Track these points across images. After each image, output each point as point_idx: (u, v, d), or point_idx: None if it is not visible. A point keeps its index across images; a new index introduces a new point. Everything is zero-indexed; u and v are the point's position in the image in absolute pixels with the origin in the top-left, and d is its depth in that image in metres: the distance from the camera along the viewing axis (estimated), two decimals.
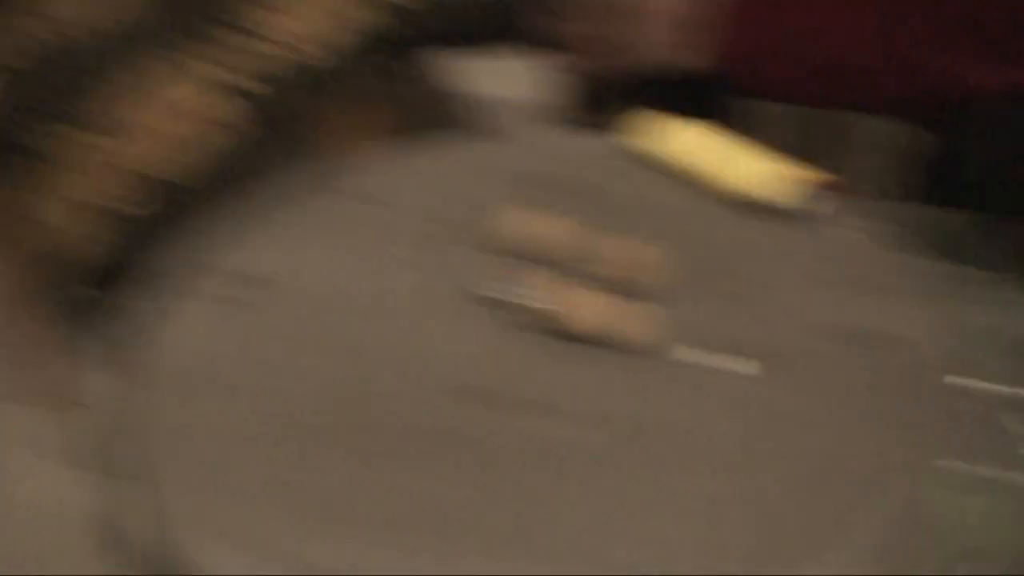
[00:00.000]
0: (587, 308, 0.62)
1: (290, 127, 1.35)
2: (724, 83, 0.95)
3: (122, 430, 0.62)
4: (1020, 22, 0.86)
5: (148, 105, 1.34)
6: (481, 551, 0.51)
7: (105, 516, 0.61)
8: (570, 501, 0.54)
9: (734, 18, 0.92)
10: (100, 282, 1.33)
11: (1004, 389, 0.69)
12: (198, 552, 0.52)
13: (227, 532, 0.53)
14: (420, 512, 0.53)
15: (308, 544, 0.52)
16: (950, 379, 0.61)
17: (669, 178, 0.74)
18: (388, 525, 0.53)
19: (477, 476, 0.55)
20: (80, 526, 0.62)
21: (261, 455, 0.56)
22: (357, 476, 0.55)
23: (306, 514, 0.53)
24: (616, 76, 1.01)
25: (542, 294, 0.62)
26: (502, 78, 2.05)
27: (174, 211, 1.31)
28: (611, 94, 1.03)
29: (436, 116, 1.85)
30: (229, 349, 0.62)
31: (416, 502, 0.54)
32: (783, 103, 1.01)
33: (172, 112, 1.34)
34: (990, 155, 0.88)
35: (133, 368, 0.61)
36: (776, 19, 0.91)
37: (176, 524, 0.53)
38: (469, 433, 0.57)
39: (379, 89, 1.35)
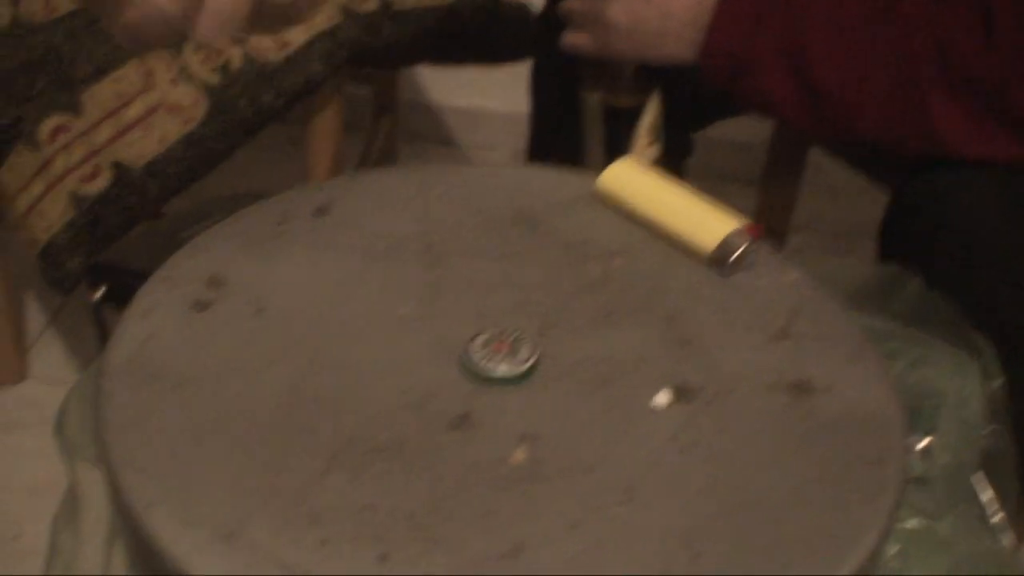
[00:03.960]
0: None
1: (249, 123, 1.37)
2: (708, 81, 0.97)
3: (80, 414, 0.65)
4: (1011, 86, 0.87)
5: (113, 91, 1.36)
6: (421, 554, 0.54)
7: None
8: (494, 515, 0.57)
9: (726, 17, 0.94)
10: (69, 265, 1.34)
11: (918, 439, 0.73)
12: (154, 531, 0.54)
13: (180, 516, 0.55)
14: (374, 514, 0.56)
15: (269, 538, 0.54)
16: (865, 429, 0.64)
17: (620, 220, 0.77)
18: (346, 526, 0.56)
19: (422, 486, 0.58)
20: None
21: (216, 449, 0.59)
22: (315, 478, 0.57)
23: (264, 510, 0.56)
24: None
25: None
26: (483, 90, 2.08)
27: (136, 197, 1.33)
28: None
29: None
30: (188, 347, 0.64)
31: (369, 504, 0.57)
32: (761, 115, 1.03)
33: (135, 99, 1.36)
34: (952, 219, 0.90)
35: (96, 358, 0.64)
36: (769, 27, 0.93)
37: (133, 503, 0.56)
38: (414, 445, 0.60)
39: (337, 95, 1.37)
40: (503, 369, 0.65)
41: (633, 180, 0.78)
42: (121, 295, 0.72)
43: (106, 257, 0.76)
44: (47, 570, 0.66)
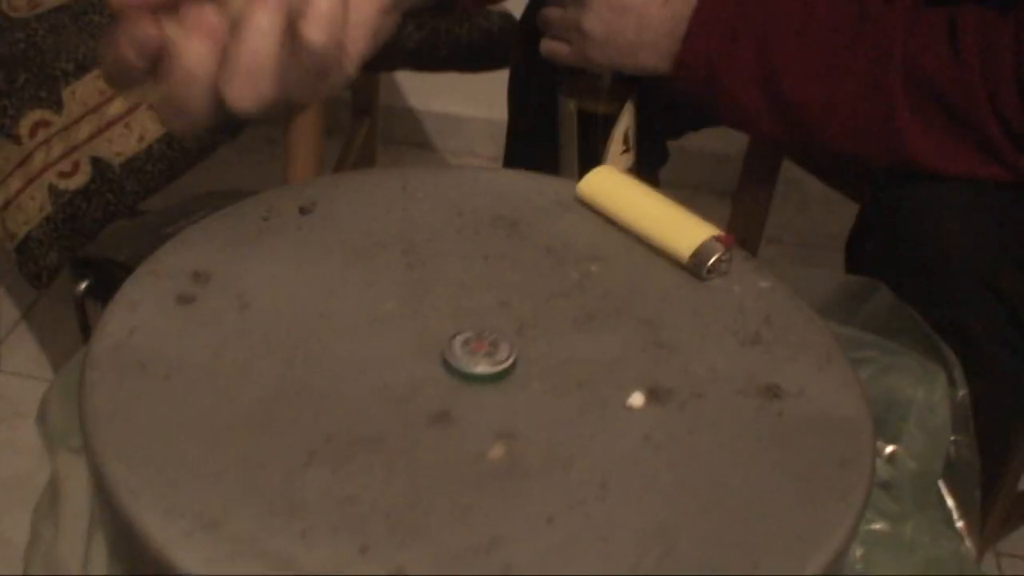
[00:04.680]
0: None
1: (229, 124, 1.38)
2: (681, 92, 0.99)
3: (63, 404, 0.66)
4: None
5: (95, 88, 1.36)
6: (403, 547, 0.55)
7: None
8: (471, 509, 0.58)
9: (700, 29, 0.95)
10: (45, 260, 1.35)
11: (885, 445, 0.74)
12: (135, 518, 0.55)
13: (162, 505, 0.56)
14: (354, 507, 0.58)
15: (252, 528, 0.55)
16: (834, 432, 0.66)
17: (599, 226, 0.78)
18: (327, 517, 0.57)
19: (402, 481, 0.59)
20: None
21: (199, 440, 0.60)
22: (297, 471, 0.58)
23: (246, 500, 0.57)
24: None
25: None
26: (462, 95, 2.10)
27: (114, 193, 1.33)
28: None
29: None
30: (172, 340, 0.65)
31: (349, 497, 0.58)
32: (733, 126, 1.05)
33: (116, 97, 1.36)
34: (917, 231, 0.92)
35: (79, 349, 0.64)
36: (742, 40, 0.94)
37: (115, 491, 0.56)
38: (394, 440, 0.61)
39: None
40: (482, 367, 0.66)
41: (612, 187, 0.79)
42: (105, 288, 0.72)
43: (90, 251, 0.77)
44: (26, 560, 0.66)
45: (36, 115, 1.38)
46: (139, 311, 0.67)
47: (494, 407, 0.65)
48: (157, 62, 0.62)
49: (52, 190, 1.36)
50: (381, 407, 0.64)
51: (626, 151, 1.12)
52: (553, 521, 0.59)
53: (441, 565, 0.56)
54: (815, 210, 2.05)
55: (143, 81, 0.63)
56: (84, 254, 0.66)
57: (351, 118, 1.84)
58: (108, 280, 0.71)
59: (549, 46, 1.05)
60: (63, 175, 1.36)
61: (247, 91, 0.61)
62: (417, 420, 0.63)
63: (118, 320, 0.66)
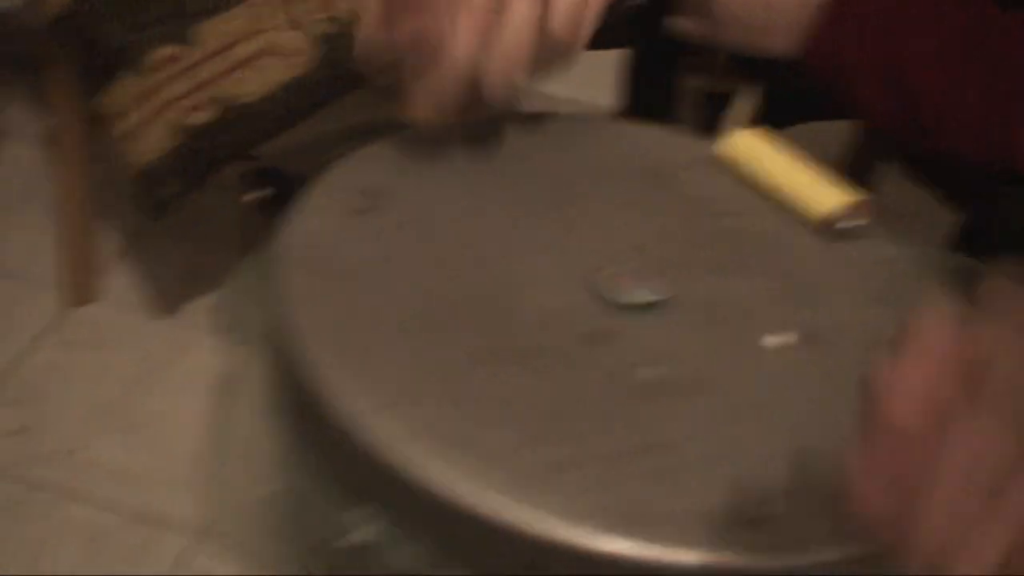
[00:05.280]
0: None
1: (356, 75, 1.43)
2: (806, 79, 1.02)
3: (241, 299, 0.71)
4: None
5: (223, 30, 1.42)
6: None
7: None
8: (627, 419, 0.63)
9: (830, 19, 0.98)
10: (163, 192, 1.41)
11: None
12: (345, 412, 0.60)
13: (353, 385, 0.61)
14: (515, 406, 0.63)
15: (431, 410, 0.61)
16: None
17: (739, 184, 0.83)
18: (491, 412, 0.62)
19: (560, 389, 0.65)
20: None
21: (380, 330, 0.65)
22: (461, 370, 0.64)
23: (426, 386, 0.62)
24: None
25: None
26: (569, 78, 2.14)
27: (235, 134, 1.39)
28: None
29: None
30: (348, 246, 0.71)
31: (511, 397, 0.63)
32: (854, 118, 1.07)
33: (244, 40, 1.42)
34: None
35: (264, 252, 0.70)
36: (870, 32, 0.98)
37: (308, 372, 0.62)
38: (551, 354, 0.67)
39: None
40: (632, 297, 0.71)
41: (753, 148, 0.84)
42: (273, 201, 0.78)
43: (262, 163, 0.82)
44: (206, 448, 0.71)
45: (166, 51, 1.43)
46: (317, 218, 0.73)
47: (643, 334, 0.70)
48: (415, 49, 0.65)
49: (175, 125, 1.42)
50: (538, 325, 0.69)
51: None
52: (693, 438, 0.64)
53: (605, 457, 0.61)
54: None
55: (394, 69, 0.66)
56: (255, 165, 0.71)
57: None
58: (281, 192, 0.76)
59: (679, 23, 1.09)
60: (188, 112, 1.42)
61: (505, 77, 0.65)
62: (573, 339, 0.68)
63: (297, 227, 0.72)
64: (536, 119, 0.85)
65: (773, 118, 1.34)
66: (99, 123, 1.49)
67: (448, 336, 0.67)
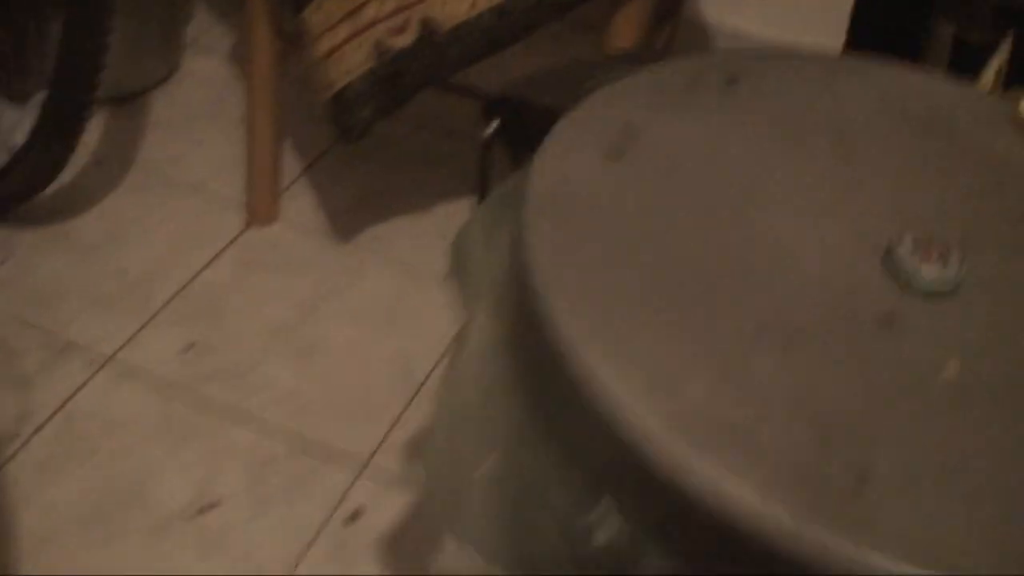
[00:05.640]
0: None
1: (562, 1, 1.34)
2: None
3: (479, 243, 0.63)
4: None
5: None
6: None
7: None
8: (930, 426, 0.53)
9: None
10: (360, 113, 1.34)
11: None
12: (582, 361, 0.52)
13: (615, 361, 0.52)
14: (809, 396, 0.53)
15: (707, 397, 0.52)
16: None
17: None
18: (782, 403, 0.53)
19: (855, 381, 0.54)
20: None
21: (642, 296, 0.56)
22: (746, 346, 0.54)
23: (700, 368, 0.53)
24: None
25: None
26: (761, 14, 2.01)
27: (437, 57, 1.31)
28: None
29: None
30: (605, 190, 0.61)
31: (801, 385, 0.53)
32: None
33: None
34: None
35: (520, 191, 0.61)
36: None
37: (564, 339, 0.53)
38: (841, 337, 0.56)
39: None
40: (932, 276, 0.60)
41: None
42: (514, 131, 0.69)
43: (507, 90, 0.74)
44: (437, 408, 0.63)
45: None
46: (570, 159, 0.64)
47: (944, 319, 0.59)
48: None
49: (378, 45, 1.35)
50: (821, 300, 0.59)
51: (996, 87, 1.04)
52: (1015, 450, 0.53)
53: (906, 473, 0.51)
54: None
55: None
56: (500, 93, 0.63)
57: (650, 28, 1.78)
58: (519, 124, 0.68)
59: None
60: (391, 31, 1.34)
61: None
62: (862, 321, 0.58)
63: (550, 166, 0.63)
64: (808, 59, 0.75)
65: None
66: (294, 42, 1.43)
67: (714, 309, 0.57)
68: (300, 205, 1.68)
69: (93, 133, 1.74)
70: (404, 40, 1.33)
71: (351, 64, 1.34)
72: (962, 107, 0.73)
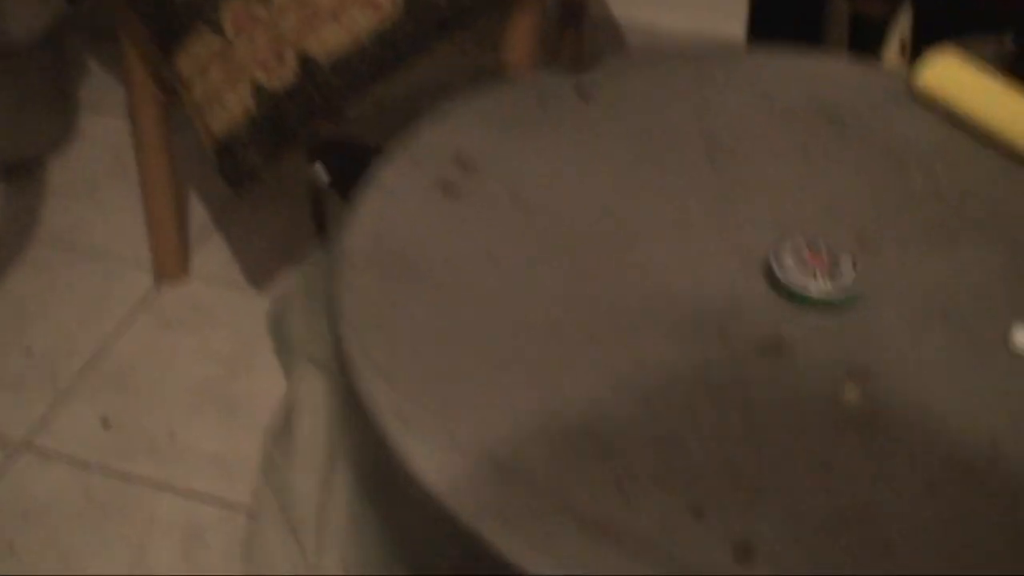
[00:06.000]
0: None
1: (446, 24, 1.27)
2: None
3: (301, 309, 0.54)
4: None
5: None
6: None
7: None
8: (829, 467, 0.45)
9: None
10: (247, 162, 1.26)
11: None
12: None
13: (437, 440, 0.44)
14: (680, 453, 0.45)
15: (552, 475, 0.44)
16: None
17: (940, 123, 0.64)
18: (650, 469, 0.45)
19: (735, 423, 0.46)
20: None
21: (475, 359, 0.48)
22: (602, 404, 0.47)
23: (541, 440, 0.45)
24: None
25: None
26: (670, 6, 1.95)
27: (321, 93, 1.23)
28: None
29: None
30: (437, 235, 0.54)
31: (672, 439, 0.46)
32: None
33: None
34: None
35: (334, 247, 0.53)
36: None
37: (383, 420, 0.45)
38: (719, 371, 0.48)
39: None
40: (820, 287, 0.53)
41: (958, 78, 0.64)
42: (346, 178, 0.61)
43: (330, 133, 0.66)
44: (257, 489, 0.56)
45: (240, 2, 1.28)
46: (397, 199, 0.56)
47: (838, 337, 0.51)
48: None
49: (256, 88, 1.27)
50: (698, 329, 0.51)
51: (900, 58, 0.98)
52: (934, 488, 0.45)
53: (796, 536, 0.43)
54: None
55: None
56: (324, 137, 0.55)
57: (557, 28, 1.71)
58: (350, 168, 0.59)
59: None
60: (268, 70, 1.26)
61: None
62: (745, 348, 0.50)
63: (373, 209, 0.55)
64: (671, 61, 0.67)
65: (934, 40, 1.14)
66: (176, 90, 1.35)
67: (579, 357, 0.49)
68: (211, 257, 1.60)
69: None
70: (283, 79, 1.25)
71: (230, 109, 1.26)
72: (856, 89, 0.66)
